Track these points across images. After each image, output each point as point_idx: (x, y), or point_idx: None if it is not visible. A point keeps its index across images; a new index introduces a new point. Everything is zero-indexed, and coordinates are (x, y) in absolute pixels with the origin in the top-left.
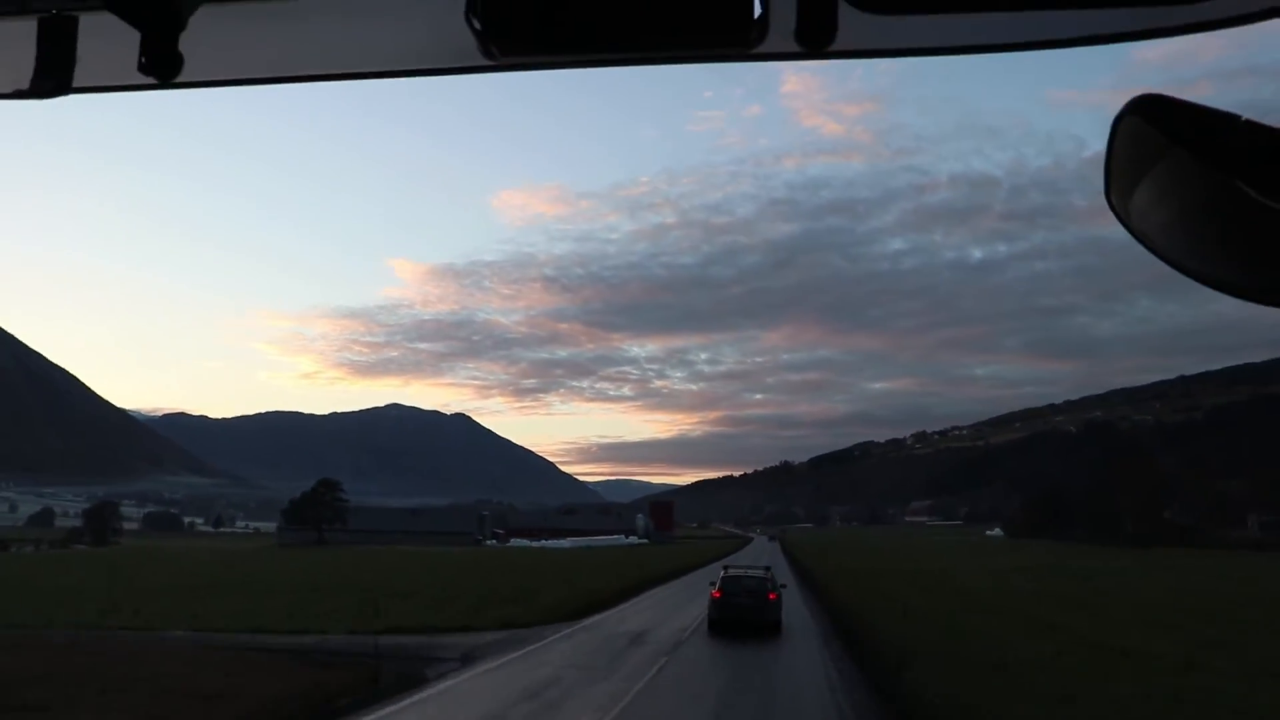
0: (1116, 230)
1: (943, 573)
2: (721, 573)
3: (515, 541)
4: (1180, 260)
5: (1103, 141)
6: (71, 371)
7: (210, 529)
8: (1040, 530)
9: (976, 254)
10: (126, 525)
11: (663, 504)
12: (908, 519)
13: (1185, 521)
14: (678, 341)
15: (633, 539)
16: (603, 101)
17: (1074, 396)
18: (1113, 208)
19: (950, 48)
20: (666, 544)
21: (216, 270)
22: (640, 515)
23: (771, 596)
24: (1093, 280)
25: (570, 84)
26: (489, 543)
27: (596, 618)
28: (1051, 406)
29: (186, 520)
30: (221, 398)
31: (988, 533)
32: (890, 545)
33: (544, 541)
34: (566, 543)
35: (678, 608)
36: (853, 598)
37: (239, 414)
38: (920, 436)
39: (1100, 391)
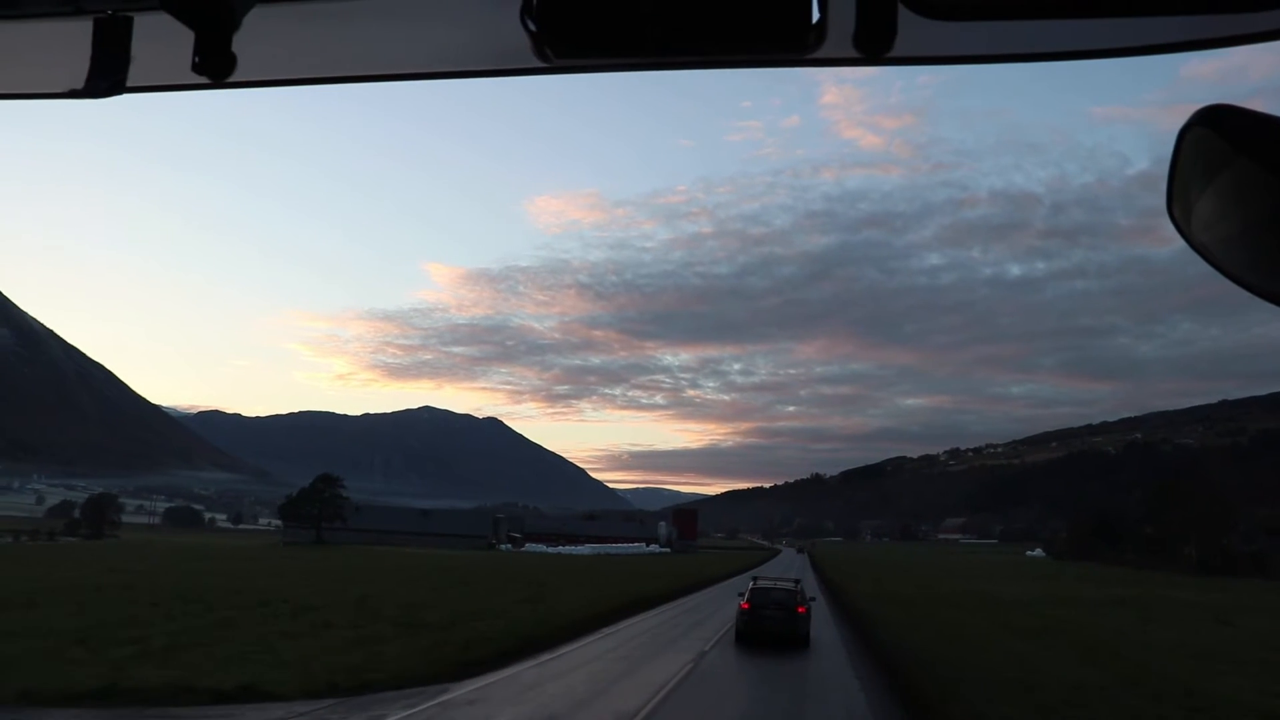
0: (1159, 250)
1: (1063, 614)
2: (750, 584)
3: (530, 546)
4: (1242, 275)
5: (1149, 158)
6: (109, 368)
7: (230, 525)
8: (1085, 552)
9: (1015, 271)
10: (150, 520)
11: (686, 512)
12: (941, 536)
13: (1242, 548)
14: (711, 351)
15: (654, 547)
16: (640, 109)
17: (1112, 418)
18: (1174, 220)
19: (1007, 55)
20: (688, 553)
21: (254, 271)
22: (662, 523)
23: (800, 610)
24: (1134, 301)
25: (608, 91)
26: (502, 547)
27: (513, 669)
28: (1089, 427)
29: (209, 516)
30: (256, 397)
31: (1028, 553)
32: (932, 563)
33: (560, 547)
34: (584, 549)
35: (655, 653)
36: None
37: (273, 413)
38: (954, 453)
39: (1139, 413)
